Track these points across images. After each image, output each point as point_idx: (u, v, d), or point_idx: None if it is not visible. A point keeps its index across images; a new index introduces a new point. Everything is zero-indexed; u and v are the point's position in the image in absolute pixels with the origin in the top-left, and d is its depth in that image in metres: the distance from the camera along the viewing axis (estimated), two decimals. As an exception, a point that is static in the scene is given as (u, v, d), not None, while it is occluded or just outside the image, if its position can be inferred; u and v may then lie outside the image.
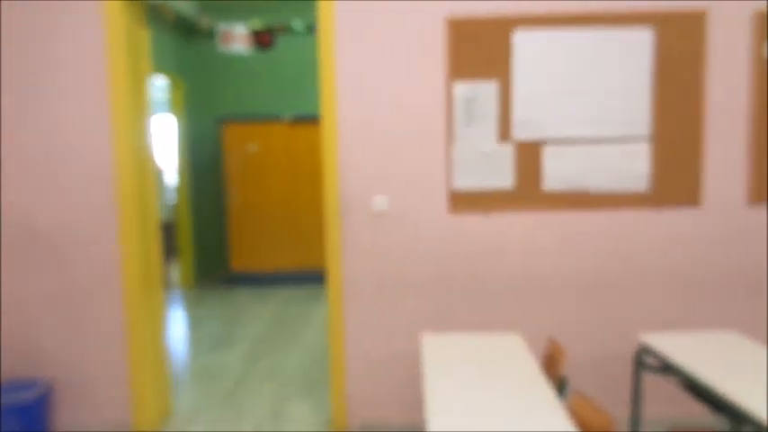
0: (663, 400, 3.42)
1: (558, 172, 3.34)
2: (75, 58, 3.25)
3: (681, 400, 3.39)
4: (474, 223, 3.37)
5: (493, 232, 3.37)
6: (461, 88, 3.29)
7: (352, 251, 3.38)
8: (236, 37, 5.24)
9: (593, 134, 3.32)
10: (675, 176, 3.35)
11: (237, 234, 7.06)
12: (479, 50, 3.28)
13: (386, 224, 3.37)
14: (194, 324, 5.86)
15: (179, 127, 7.10)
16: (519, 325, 3.40)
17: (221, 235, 7.40)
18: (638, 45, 3.28)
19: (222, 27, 5.19)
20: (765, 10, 3.25)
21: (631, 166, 3.34)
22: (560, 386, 2.44)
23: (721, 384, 2.23)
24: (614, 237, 3.38)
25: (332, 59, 3.29)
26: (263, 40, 6.97)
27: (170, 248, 7.05)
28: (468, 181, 3.35)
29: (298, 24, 6.40)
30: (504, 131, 3.32)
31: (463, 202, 3.36)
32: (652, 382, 3.39)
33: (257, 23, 6.11)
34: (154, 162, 3.72)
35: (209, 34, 6.26)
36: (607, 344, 3.42)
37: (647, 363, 2.78)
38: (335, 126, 3.33)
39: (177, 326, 5.83)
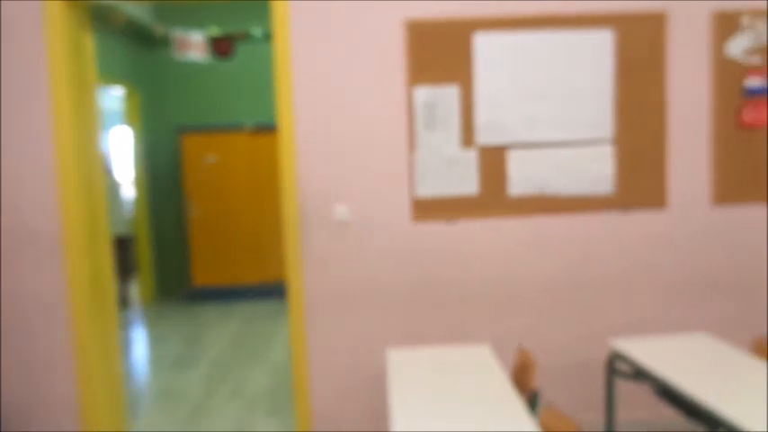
0: (637, 405, 3.36)
1: (523, 176, 3.27)
2: (11, 65, 3.06)
3: (655, 404, 3.34)
4: (439, 231, 3.27)
5: (459, 240, 3.28)
6: (422, 93, 3.20)
7: (313, 263, 3.25)
8: (193, 44, 5.07)
9: (558, 137, 3.26)
10: (641, 178, 3.31)
11: (199, 248, 6.85)
12: (439, 54, 3.19)
13: (348, 234, 3.25)
14: (154, 343, 5.64)
15: (136, 138, 6.88)
16: (488, 334, 3.31)
17: (182, 249, 7.18)
18: (600, 47, 3.24)
19: (177, 34, 5.01)
20: (724, 10, 3.25)
21: (597, 169, 3.29)
22: (532, 399, 2.35)
23: (694, 389, 2.16)
24: (582, 241, 3.32)
25: (288, 66, 3.16)
26: (221, 47, 6.80)
27: (129, 264, 6.80)
28: (431, 188, 3.25)
29: (257, 31, 6.26)
30: (468, 136, 3.23)
31: (427, 209, 3.26)
32: (626, 386, 3.33)
33: (215, 30, 5.94)
34: (105, 176, 3.53)
35: (165, 41, 6.07)
36: (579, 350, 3.35)
37: (619, 369, 2.72)
38: (293, 134, 3.20)
39: (136, 345, 5.60)
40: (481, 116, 3.23)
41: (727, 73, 3.28)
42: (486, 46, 3.20)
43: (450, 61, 3.20)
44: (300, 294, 3.26)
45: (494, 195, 3.27)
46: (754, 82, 3.28)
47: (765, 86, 3.28)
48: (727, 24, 3.25)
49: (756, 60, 3.27)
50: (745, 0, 3.25)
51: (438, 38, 3.18)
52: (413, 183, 3.24)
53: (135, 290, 7.41)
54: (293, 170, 3.22)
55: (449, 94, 3.21)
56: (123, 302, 6.83)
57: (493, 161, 3.25)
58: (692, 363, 2.45)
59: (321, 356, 3.29)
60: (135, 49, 6.69)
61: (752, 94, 3.28)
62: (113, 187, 6.47)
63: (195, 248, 6.86)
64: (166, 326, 6.17)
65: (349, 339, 3.28)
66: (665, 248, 3.34)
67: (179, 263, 7.21)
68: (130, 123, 6.82)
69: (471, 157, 3.24)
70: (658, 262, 3.34)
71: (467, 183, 3.26)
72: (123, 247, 6.67)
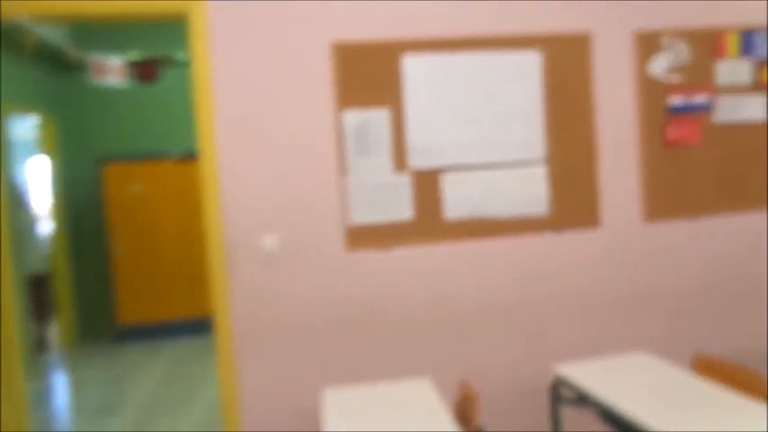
0: (585, 428, 3.31)
1: (458, 200, 3.20)
2: None
3: (603, 428, 3.29)
4: (374, 260, 3.15)
5: (395, 268, 3.17)
6: (351, 117, 3.09)
7: (240, 298, 3.05)
8: (110, 68, 4.81)
9: (491, 159, 3.21)
10: (574, 198, 3.30)
11: (124, 284, 6.47)
12: (368, 76, 3.10)
13: (277, 266, 3.08)
14: (76, 388, 5.24)
15: (53, 169, 6.47)
16: (429, 365, 3.19)
17: (105, 286, 6.76)
18: (529, 68, 3.23)
19: (93, 58, 4.74)
20: (645, 30, 3.30)
21: (531, 190, 3.25)
22: (475, 435, 2.24)
23: (637, 412, 2.10)
24: (519, 263, 3.27)
25: (208, 91, 2.99)
26: (145, 72, 6.51)
27: (46, 304, 6.34)
28: (364, 215, 3.13)
29: (182, 55, 6.03)
30: (400, 160, 3.14)
31: (361, 237, 3.14)
32: (573, 410, 3.28)
33: (135, 54, 5.68)
34: (16, 209, 3.24)
35: (81, 66, 5.73)
36: (523, 375, 3.27)
37: (563, 395, 2.65)
38: (215, 162, 3.02)
39: (56, 392, 5.18)
40: (413, 139, 3.14)
41: (650, 92, 3.33)
42: (415, 68, 3.13)
43: (379, 84, 3.11)
44: (228, 332, 3.06)
45: (429, 220, 3.18)
46: (676, 100, 3.34)
47: (687, 104, 3.35)
48: (648, 44, 3.31)
49: (677, 79, 3.34)
50: (665, 20, 3.32)
51: (366, 60, 3.09)
52: (345, 210, 3.11)
53: (54, 332, 6.91)
54: (216, 199, 3.03)
55: (379, 118, 3.12)
56: (40, 346, 6.34)
57: (427, 185, 3.17)
58: (634, 384, 2.40)
59: (253, 398, 3.08)
60: (50, 75, 6.32)
61: (675, 111, 3.35)
62: (27, 222, 6.05)
63: (120, 284, 6.48)
64: (89, 369, 5.75)
65: (283, 379, 3.09)
66: (601, 267, 3.33)
67: (103, 301, 6.78)
68: (47, 153, 6.41)
69: (404, 182, 3.15)
70: (594, 281, 3.33)
71: (401, 208, 3.16)
72: (39, 285, 6.22)
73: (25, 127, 7.31)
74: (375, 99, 3.11)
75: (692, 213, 3.40)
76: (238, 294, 3.05)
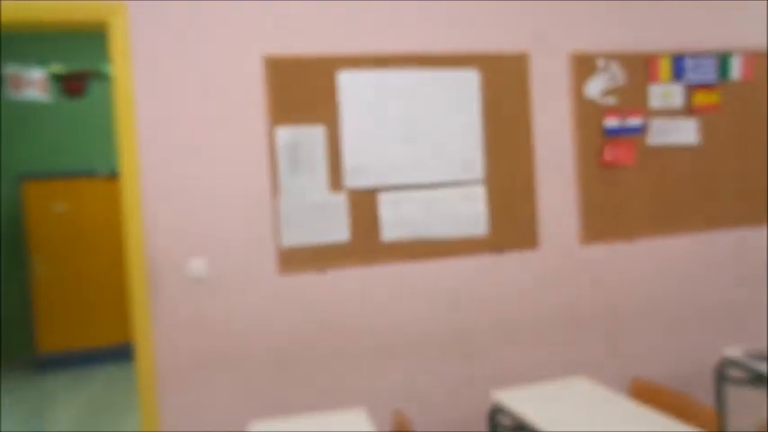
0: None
1: (395, 220, 3.10)
2: None
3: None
4: (308, 283, 3.00)
5: (330, 291, 3.03)
6: (284, 133, 2.96)
7: (164, 326, 2.85)
8: (31, 81, 4.51)
9: (429, 179, 3.14)
10: (513, 219, 3.25)
11: (45, 309, 6.06)
12: (303, 92, 2.98)
13: (205, 291, 2.89)
14: (-14, 424, 4.82)
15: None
16: (365, 396, 3.05)
17: (25, 311, 6.32)
18: (466, 87, 3.18)
19: (10, 70, 4.44)
20: (581, 52, 3.32)
21: (469, 211, 3.19)
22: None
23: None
24: (458, 285, 3.18)
25: (129, 106, 2.80)
26: (72, 86, 6.19)
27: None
28: (298, 236, 2.99)
29: (109, 69, 5.75)
30: (335, 180, 3.02)
31: (294, 260, 2.99)
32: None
33: (59, 68, 5.38)
34: None
35: None
36: (461, 403, 3.18)
37: (501, 422, 2.56)
38: (137, 181, 2.83)
39: (-37, 429, 4.76)
40: (349, 158, 3.03)
41: (587, 113, 3.34)
42: (351, 84, 3.03)
43: (314, 100, 2.99)
44: (150, 362, 2.84)
45: (366, 241, 3.07)
46: (611, 122, 3.36)
47: (622, 126, 3.37)
48: (584, 66, 3.33)
49: (612, 101, 3.36)
50: (601, 43, 3.35)
51: (300, 75, 2.98)
52: (277, 231, 2.96)
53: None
54: (139, 220, 2.83)
55: (314, 135, 3.00)
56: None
57: (363, 205, 3.06)
58: (572, 411, 2.33)
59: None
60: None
61: (611, 133, 3.36)
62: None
63: (41, 309, 6.06)
64: (3, 401, 5.32)
65: (209, 413, 2.89)
66: (540, 290, 3.29)
67: (21, 327, 6.33)
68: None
69: (340, 202, 3.03)
70: (533, 304, 3.28)
71: (337, 229, 3.03)
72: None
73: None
74: (310, 116, 2.99)
75: (627, 236, 3.41)
76: (162, 322, 2.85)
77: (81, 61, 6.08)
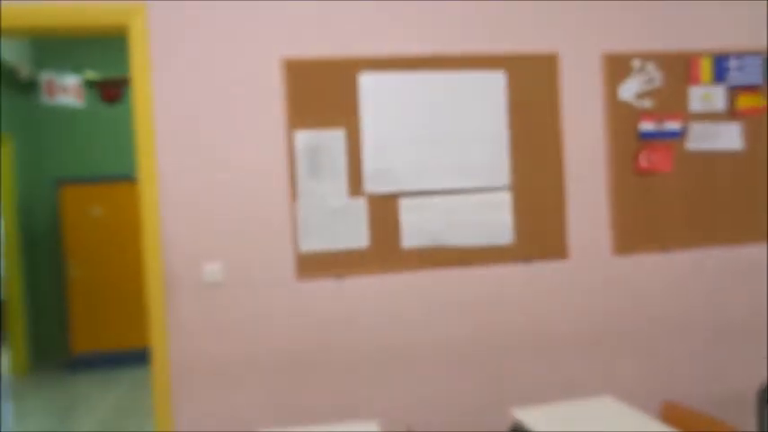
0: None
1: (416, 227, 3.00)
2: None
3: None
4: (326, 290, 2.93)
5: (348, 299, 2.94)
6: (303, 137, 2.90)
7: (179, 331, 2.81)
8: (65, 88, 4.59)
9: (453, 184, 3.02)
10: (540, 227, 3.11)
11: (79, 311, 6.15)
12: (322, 95, 2.91)
13: (221, 296, 2.84)
14: (18, 420, 4.90)
15: (7, 190, 6.19)
16: (380, 406, 2.94)
17: (60, 313, 6.44)
18: (493, 89, 3.06)
19: (46, 76, 4.53)
20: (614, 52, 3.16)
21: (495, 218, 3.06)
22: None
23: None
24: (481, 296, 3.06)
25: (148, 109, 2.79)
26: (109, 92, 6.32)
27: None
28: (317, 242, 2.92)
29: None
30: (355, 184, 2.94)
31: (312, 265, 2.92)
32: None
33: (93, 74, 5.47)
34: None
35: (33, 85, 5.50)
36: (481, 421, 3.03)
37: (522, 443, 2.42)
38: (155, 185, 2.80)
39: (-4, 427, 4.85)
40: (369, 162, 2.95)
41: (621, 117, 3.18)
42: (372, 87, 2.95)
43: (334, 103, 2.93)
44: (165, 368, 2.81)
45: (386, 248, 2.97)
46: (647, 126, 3.19)
47: (659, 130, 3.20)
48: (618, 67, 3.17)
49: (648, 104, 3.19)
50: (636, 42, 3.19)
51: (320, 78, 2.91)
52: (296, 236, 2.90)
53: (5, 360, 6.56)
54: (156, 224, 2.81)
55: (334, 139, 2.92)
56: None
57: (384, 211, 2.97)
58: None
59: (190, 441, 2.82)
60: (7, 94, 6.08)
61: (646, 138, 3.19)
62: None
63: (75, 312, 6.16)
64: (36, 400, 5.42)
65: (223, 419, 2.83)
66: (568, 303, 3.13)
67: (57, 328, 6.45)
68: (3, 174, 6.14)
69: (360, 207, 2.95)
70: (561, 317, 3.12)
71: (356, 235, 2.95)
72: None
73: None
74: (329, 119, 2.92)
75: (663, 246, 3.22)
76: (178, 326, 2.81)
77: (118, 69, 6.19)
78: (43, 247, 6.48)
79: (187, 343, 2.82)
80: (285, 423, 2.85)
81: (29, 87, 5.93)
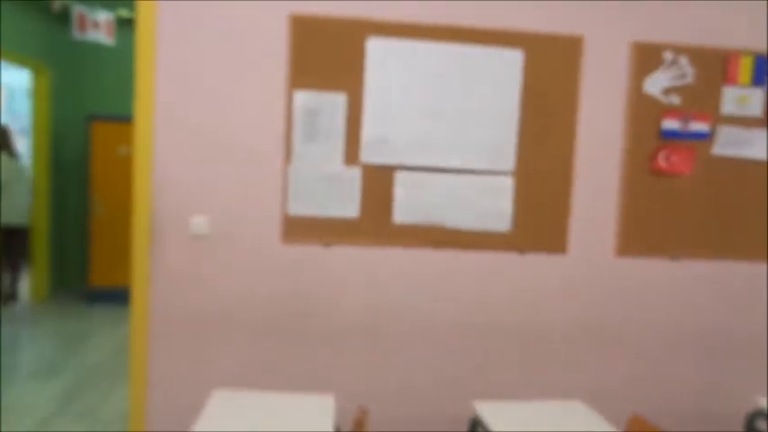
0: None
1: (410, 203, 2.90)
2: None
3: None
4: (311, 256, 2.88)
5: (333, 268, 2.89)
6: (303, 97, 2.82)
7: (162, 279, 2.82)
8: (97, 24, 4.60)
9: (453, 163, 2.91)
10: (540, 219, 2.97)
11: (99, 245, 6.31)
12: (327, 56, 2.82)
13: (205, 250, 2.83)
14: (24, 346, 5.09)
15: (42, 121, 6.33)
16: (348, 381, 2.91)
17: (83, 245, 6.62)
18: (508, 68, 2.90)
19: (78, 10, 4.53)
20: (645, 41, 2.95)
21: (493, 203, 2.94)
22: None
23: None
24: (471, 281, 2.96)
25: (151, 55, 2.75)
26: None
27: (19, 257, 6.23)
28: (306, 206, 2.86)
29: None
30: (352, 152, 2.86)
31: (299, 230, 2.87)
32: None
33: (126, 12, 5.46)
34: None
35: (64, 17, 5.49)
36: (449, 407, 2.97)
37: (480, 437, 2.35)
38: (151, 132, 2.78)
39: (6, 347, 5.05)
40: (369, 131, 2.86)
41: (643, 111, 2.98)
42: (380, 53, 2.84)
43: (338, 66, 2.83)
44: (145, 315, 2.83)
45: (376, 221, 2.90)
46: (671, 124, 2.98)
47: (684, 130, 2.99)
48: (647, 58, 2.96)
49: (676, 101, 2.98)
50: (670, 33, 2.96)
51: (327, 38, 2.81)
52: (285, 198, 2.84)
53: (25, 284, 6.81)
54: (148, 171, 2.80)
55: (334, 103, 2.84)
56: (8, 297, 6.24)
57: (378, 183, 2.88)
58: (554, 439, 2.10)
59: (163, 389, 2.85)
60: (49, 26, 6.15)
61: (669, 137, 2.99)
62: (14, 172, 5.91)
63: (95, 246, 6.32)
64: (50, 327, 5.61)
65: (196, 372, 2.85)
66: (562, 300, 3.01)
67: (78, 260, 6.65)
68: (39, 105, 6.28)
69: (354, 176, 2.87)
70: (551, 313, 3.00)
71: (347, 204, 2.88)
72: (16, 237, 6.11)
73: (20, 77, 7.21)
74: (332, 82, 2.83)
75: (672, 253, 3.04)
76: (160, 275, 2.82)
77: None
78: (71, 181, 6.63)
79: (168, 293, 2.83)
80: (253, 383, 2.85)
81: (61, 19, 5.95)
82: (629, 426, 2.23)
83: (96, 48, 6.16)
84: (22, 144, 6.95)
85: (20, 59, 5.73)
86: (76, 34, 4.66)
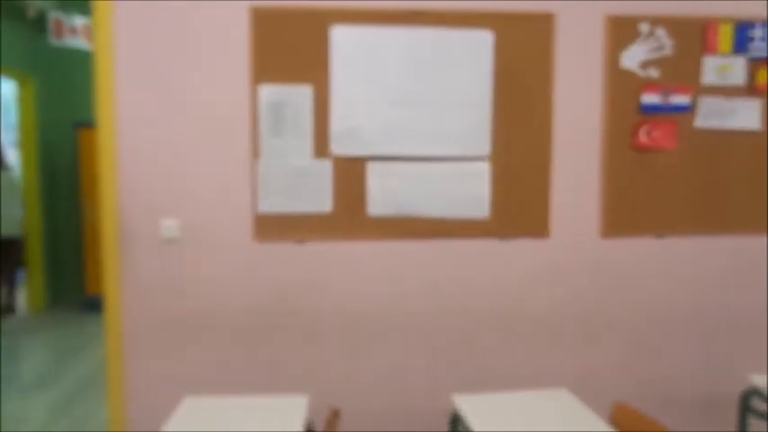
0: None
1: (385, 194, 2.83)
2: None
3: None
4: (285, 254, 2.81)
5: (308, 265, 2.82)
6: (268, 91, 2.74)
7: (135, 286, 2.76)
8: (75, 29, 4.55)
9: (427, 151, 2.83)
10: (520, 203, 2.89)
11: (94, 253, 6.28)
12: (291, 48, 2.74)
13: (177, 253, 2.77)
14: (21, 357, 5.07)
15: (30, 130, 6.30)
16: (326, 380, 2.85)
17: (77, 254, 6.60)
18: (478, 50, 2.81)
19: (54, 16, 4.47)
20: (620, 14, 2.85)
21: (471, 190, 2.86)
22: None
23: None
24: (451, 271, 2.89)
25: (110, 51, 2.68)
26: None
27: (14, 268, 6.22)
28: (277, 203, 2.79)
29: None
30: (321, 145, 2.78)
31: (272, 228, 2.80)
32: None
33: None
34: None
35: (41, 24, 5.42)
36: (428, 405, 2.90)
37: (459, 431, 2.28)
38: (114, 134, 2.72)
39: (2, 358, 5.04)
40: (338, 122, 2.78)
41: (621, 87, 2.88)
42: (345, 41, 2.75)
43: (303, 57, 2.75)
44: (119, 322, 2.78)
45: (350, 215, 2.82)
46: (651, 98, 2.88)
47: (664, 104, 2.89)
48: (623, 31, 2.86)
49: (655, 74, 2.88)
50: (645, 4, 2.86)
51: (289, 29, 2.73)
52: (255, 196, 2.78)
53: (23, 295, 6.80)
54: (114, 175, 2.73)
55: (300, 95, 2.76)
56: (5, 309, 6.24)
57: (350, 175, 2.80)
58: (532, 428, 2.02)
59: (141, 396, 2.80)
60: (30, 34, 6.10)
61: (649, 111, 2.89)
62: (4, 183, 5.89)
63: (89, 253, 6.30)
64: (45, 338, 5.60)
65: (174, 377, 2.80)
66: (546, 286, 2.92)
67: (73, 268, 6.62)
68: (24, 114, 6.24)
69: (325, 170, 2.79)
70: (535, 299, 2.92)
71: (319, 199, 2.80)
72: (9, 248, 6.09)
73: (5, 87, 7.16)
74: (297, 74, 2.75)
75: (658, 231, 2.95)
76: (133, 281, 2.76)
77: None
78: (62, 189, 6.60)
79: (142, 298, 2.77)
80: (231, 386, 2.79)
81: (40, 26, 5.86)
82: (613, 413, 2.15)
83: (80, 54, 6.10)
84: (14, 155, 6.93)
85: (3, 70, 5.68)
86: (54, 41, 4.61)
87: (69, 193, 6.58)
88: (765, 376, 2.50)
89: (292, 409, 2.15)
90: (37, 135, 6.38)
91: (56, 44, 4.68)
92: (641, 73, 2.88)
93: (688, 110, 2.91)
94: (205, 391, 2.77)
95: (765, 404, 2.45)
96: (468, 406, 2.19)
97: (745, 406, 2.58)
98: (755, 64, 2.92)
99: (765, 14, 2.89)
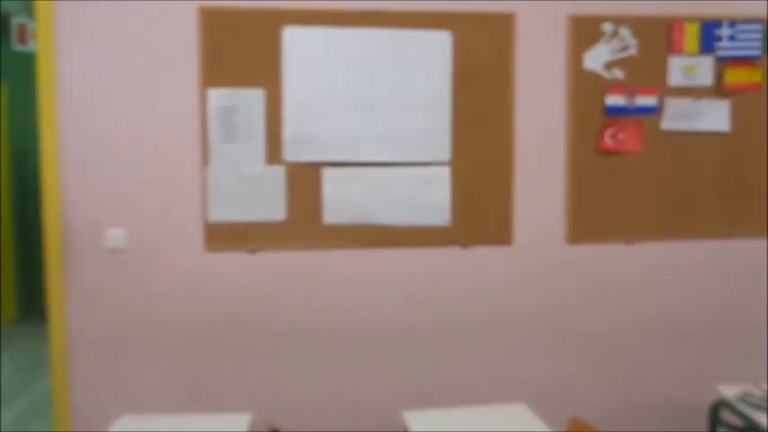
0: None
1: (341, 201, 2.72)
2: None
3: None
4: (237, 264, 2.70)
5: (261, 275, 2.71)
6: (218, 95, 2.64)
7: (78, 298, 2.64)
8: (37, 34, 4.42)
9: (385, 157, 2.73)
10: (482, 209, 2.79)
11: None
12: (242, 50, 2.64)
13: (123, 264, 2.65)
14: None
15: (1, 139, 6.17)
16: (288, 392, 2.73)
17: (48, 263, 6.45)
18: (436, 52, 2.72)
19: (16, 21, 4.36)
20: (582, 14, 2.76)
21: (430, 196, 2.76)
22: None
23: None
24: (409, 281, 2.78)
25: (51, 53, 2.58)
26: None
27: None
28: (228, 211, 2.68)
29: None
30: (274, 151, 2.68)
31: (223, 237, 2.69)
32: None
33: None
34: None
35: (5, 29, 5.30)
36: (381, 421, 2.78)
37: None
38: (56, 141, 2.61)
39: (-34, 374, 4.89)
40: (291, 127, 2.67)
41: (585, 88, 2.79)
42: (298, 43, 2.65)
43: (254, 59, 2.65)
44: (63, 335, 2.66)
45: (305, 223, 2.72)
46: (616, 100, 2.80)
47: (629, 105, 2.80)
48: (585, 31, 2.78)
49: (619, 75, 2.79)
50: (608, 4, 2.78)
51: (240, 30, 2.63)
52: (205, 204, 2.67)
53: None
54: (56, 184, 2.62)
55: (252, 99, 2.65)
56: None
57: (304, 182, 2.70)
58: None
59: (85, 412, 2.67)
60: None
61: (614, 113, 2.80)
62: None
63: (60, 264, 6.15)
64: (14, 349, 5.46)
65: (120, 394, 2.67)
66: (510, 294, 2.82)
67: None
68: (-4, 122, 6.11)
69: (278, 176, 2.69)
70: (499, 309, 2.82)
71: (273, 206, 2.70)
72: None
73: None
74: (248, 77, 2.65)
75: (625, 237, 2.86)
76: (77, 293, 2.64)
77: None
78: (35, 198, 6.46)
79: (86, 310, 2.65)
80: (179, 403, 2.67)
81: (3, 32, 5.73)
82: (569, 428, 2.05)
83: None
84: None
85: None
86: (17, 46, 4.49)
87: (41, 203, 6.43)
88: (734, 387, 2.40)
89: (232, 429, 2.04)
90: (5, 142, 6.24)
91: (19, 49, 4.57)
92: (605, 74, 2.79)
93: (654, 111, 2.82)
94: (151, 408, 2.66)
95: (734, 415, 2.35)
96: (419, 423, 2.09)
97: (715, 418, 2.48)
98: (723, 64, 2.83)
99: (732, 12, 2.81)
